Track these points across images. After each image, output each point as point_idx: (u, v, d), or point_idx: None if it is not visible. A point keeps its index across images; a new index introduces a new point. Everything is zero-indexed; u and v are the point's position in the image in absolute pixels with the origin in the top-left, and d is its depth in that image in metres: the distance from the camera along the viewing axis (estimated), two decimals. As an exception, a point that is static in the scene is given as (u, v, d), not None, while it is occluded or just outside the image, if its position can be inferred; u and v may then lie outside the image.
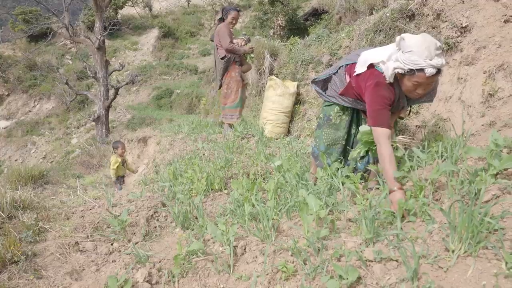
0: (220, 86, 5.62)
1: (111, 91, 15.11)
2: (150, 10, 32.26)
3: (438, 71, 2.12)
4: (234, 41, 5.48)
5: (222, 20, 5.55)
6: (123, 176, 6.66)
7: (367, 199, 1.95)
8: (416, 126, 3.67)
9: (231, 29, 5.52)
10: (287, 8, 13.99)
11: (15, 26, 24.94)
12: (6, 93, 24.32)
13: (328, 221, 1.91)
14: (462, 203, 1.50)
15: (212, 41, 5.70)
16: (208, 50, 27.16)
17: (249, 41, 5.79)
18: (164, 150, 6.06)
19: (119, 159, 6.39)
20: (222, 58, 5.45)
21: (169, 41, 28.44)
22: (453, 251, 1.46)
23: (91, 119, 15.13)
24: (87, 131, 20.09)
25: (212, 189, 3.18)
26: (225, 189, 3.21)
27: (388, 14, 4.29)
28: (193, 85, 21.05)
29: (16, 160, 19.41)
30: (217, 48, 5.50)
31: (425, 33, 2.24)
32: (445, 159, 2.24)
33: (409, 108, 2.64)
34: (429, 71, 2.07)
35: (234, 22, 5.57)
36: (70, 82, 16.34)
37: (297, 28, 13.67)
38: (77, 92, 16.32)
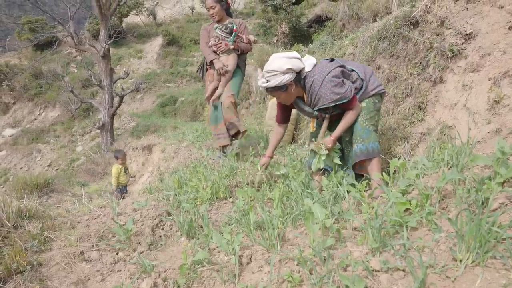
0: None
1: (116, 99, 15.23)
2: (155, 18, 32.54)
3: (266, 88, 2.73)
4: (211, 41, 4.38)
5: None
6: (126, 186, 6.73)
7: (373, 208, 1.94)
8: (421, 133, 3.65)
9: (210, 27, 4.43)
10: (290, 15, 14.06)
11: (21, 35, 25.31)
12: (12, 101, 24.59)
13: (334, 230, 1.90)
14: (469, 211, 1.48)
15: None
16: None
17: (230, 33, 4.35)
18: (168, 158, 6.07)
19: (120, 167, 6.57)
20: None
21: (173, 49, 28.62)
22: (460, 261, 1.45)
23: (96, 126, 15.24)
24: (92, 138, 20.22)
25: (217, 198, 3.18)
26: (230, 197, 3.21)
27: (392, 21, 4.29)
28: (197, 93, 21.10)
29: (21, 168, 19.55)
30: None
31: (274, 55, 2.73)
32: (451, 167, 2.23)
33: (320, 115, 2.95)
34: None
35: (210, 12, 4.34)
36: (75, 90, 16.47)
37: (300, 35, 13.74)
38: (82, 100, 16.47)
